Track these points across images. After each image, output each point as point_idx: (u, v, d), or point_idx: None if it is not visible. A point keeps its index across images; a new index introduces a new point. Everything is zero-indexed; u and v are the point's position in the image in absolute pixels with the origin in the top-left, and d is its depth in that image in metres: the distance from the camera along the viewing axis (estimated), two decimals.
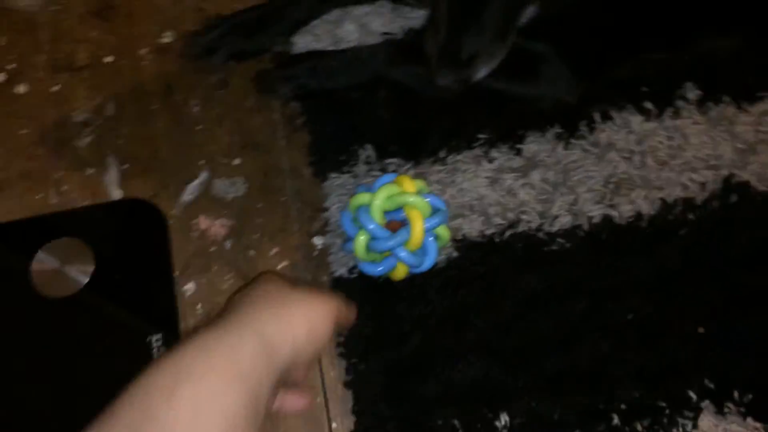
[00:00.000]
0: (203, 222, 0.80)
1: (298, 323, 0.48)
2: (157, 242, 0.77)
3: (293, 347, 0.46)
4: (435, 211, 0.69)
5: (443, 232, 0.70)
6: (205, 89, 0.87)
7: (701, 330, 0.68)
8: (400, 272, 0.70)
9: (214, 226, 0.80)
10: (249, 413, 0.39)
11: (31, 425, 0.66)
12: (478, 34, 0.66)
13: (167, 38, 0.92)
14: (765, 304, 0.69)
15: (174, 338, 0.71)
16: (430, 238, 0.69)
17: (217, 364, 0.40)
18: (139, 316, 0.72)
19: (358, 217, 0.68)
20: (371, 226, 0.67)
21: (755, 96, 0.79)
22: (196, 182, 0.82)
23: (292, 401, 0.56)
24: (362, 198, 0.69)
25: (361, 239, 0.68)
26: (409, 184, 0.68)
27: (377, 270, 0.69)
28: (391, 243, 0.66)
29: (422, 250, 0.69)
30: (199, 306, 0.76)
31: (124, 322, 0.71)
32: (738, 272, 0.70)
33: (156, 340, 0.70)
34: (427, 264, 0.69)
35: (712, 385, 0.66)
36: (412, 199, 0.67)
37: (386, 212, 0.69)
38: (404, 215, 0.69)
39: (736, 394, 0.66)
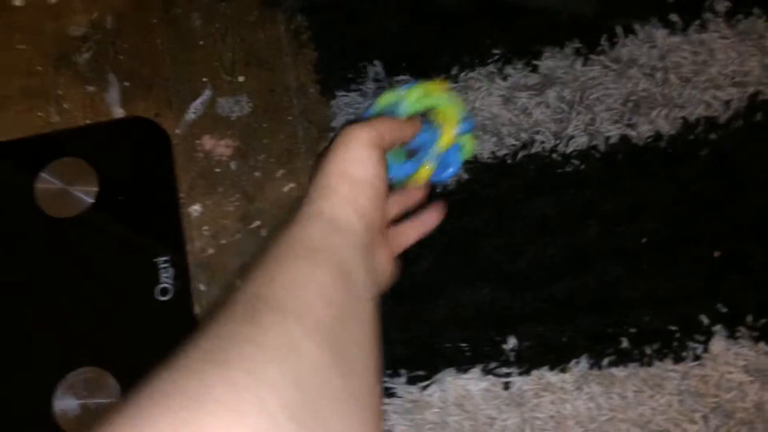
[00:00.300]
0: (208, 142, 0.78)
1: (337, 183, 0.47)
2: (162, 163, 0.75)
3: (351, 201, 0.46)
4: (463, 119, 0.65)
5: (469, 142, 0.66)
6: (207, 1, 0.84)
7: (717, 254, 0.67)
8: (423, 175, 0.66)
9: (219, 146, 0.78)
10: (339, 285, 0.40)
11: (37, 345, 0.67)
12: None
13: None
14: None
15: (181, 259, 0.71)
16: (456, 145, 0.65)
17: (297, 249, 0.42)
18: (145, 237, 0.72)
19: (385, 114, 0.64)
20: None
21: None
22: (199, 101, 0.80)
23: (420, 224, 0.58)
24: (389, 97, 0.65)
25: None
26: (441, 86, 0.64)
27: (403, 171, 0.65)
28: (421, 138, 0.63)
29: (447, 156, 0.65)
30: (205, 228, 0.75)
31: (131, 243, 0.71)
32: (758, 195, 0.68)
33: (163, 261, 0.70)
34: (451, 171, 0.65)
35: (725, 310, 0.65)
36: (445, 101, 0.63)
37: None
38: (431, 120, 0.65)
39: (749, 319, 0.65)
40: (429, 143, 0.62)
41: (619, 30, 0.75)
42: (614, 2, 0.75)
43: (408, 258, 0.70)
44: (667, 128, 0.71)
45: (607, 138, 0.72)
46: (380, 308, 0.69)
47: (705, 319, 0.65)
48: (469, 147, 0.65)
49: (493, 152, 0.73)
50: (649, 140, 0.71)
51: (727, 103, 0.71)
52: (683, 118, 0.71)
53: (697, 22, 0.74)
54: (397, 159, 0.64)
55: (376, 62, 0.77)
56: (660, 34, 0.74)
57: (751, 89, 0.72)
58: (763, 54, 0.73)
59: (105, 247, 0.71)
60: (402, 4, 0.78)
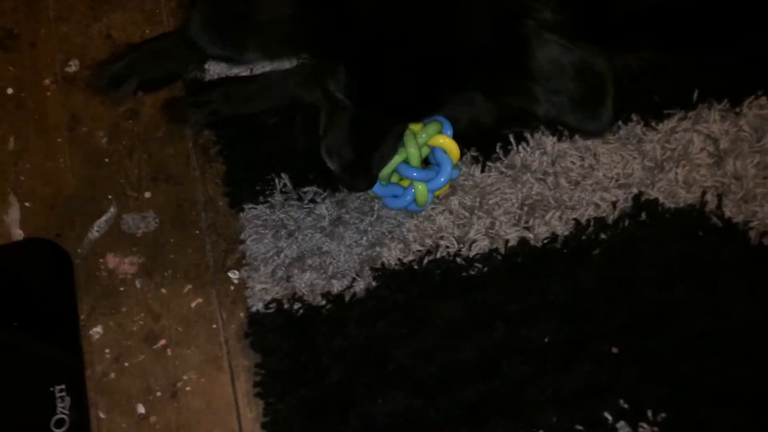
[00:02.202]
0: (111, 260, 0.77)
1: None
2: (62, 285, 0.73)
3: None
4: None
5: (451, 146, 0.72)
6: (113, 120, 0.84)
7: (615, 350, 0.69)
8: (421, 195, 0.72)
9: (123, 264, 0.76)
10: None
11: None
12: (384, 155, 0.68)
13: (73, 67, 0.88)
14: (675, 321, 0.70)
15: (79, 387, 0.67)
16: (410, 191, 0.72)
17: None
18: (40, 364, 0.68)
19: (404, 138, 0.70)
20: (412, 150, 0.70)
21: (662, 113, 0.80)
22: (103, 218, 0.79)
23: None
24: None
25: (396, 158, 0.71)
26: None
27: (406, 200, 0.72)
28: (416, 175, 0.71)
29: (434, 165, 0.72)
30: (107, 350, 0.72)
31: (25, 371, 0.68)
32: (649, 290, 0.71)
33: (59, 390, 0.67)
34: (442, 178, 0.71)
35: (626, 406, 0.67)
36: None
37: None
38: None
39: (649, 414, 0.67)
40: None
41: (511, 138, 0.80)
42: (507, 112, 0.80)
43: (317, 370, 0.69)
44: (561, 229, 0.75)
45: (507, 241, 0.75)
46: (289, 424, 0.67)
47: (609, 416, 0.67)
48: (455, 151, 0.72)
49: (399, 259, 0.75)
50: (546, 241, 0.75)
51: (614, 204, 0.76)
52: (575, 219, 0.75)
53: None
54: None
55: (284, 174, 0.79)
56: (549, 141, 0.79)
57: (634, 190, 0.77)
58: (644, 157, 0.79)
59: None
60: (308, 118, 0.80)
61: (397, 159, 0.71)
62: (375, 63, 0.58)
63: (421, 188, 0.72)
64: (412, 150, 0.71)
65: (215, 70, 0.85)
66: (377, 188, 0.73)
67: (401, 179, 0.74)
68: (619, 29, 0.72)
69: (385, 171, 0.71)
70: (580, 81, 0.56)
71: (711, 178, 0.76)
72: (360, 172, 0.68)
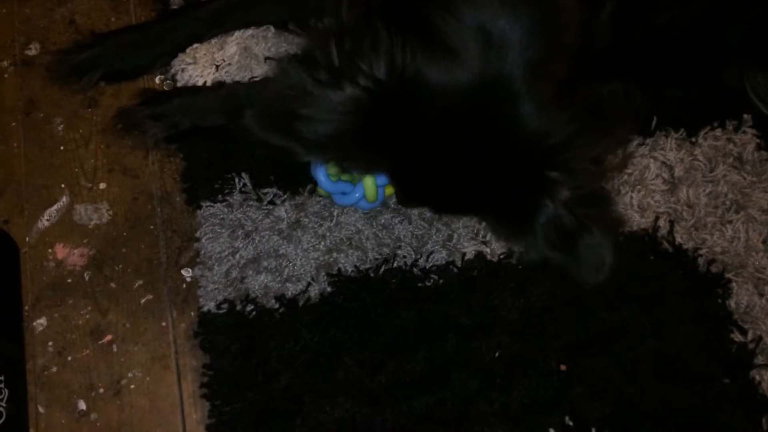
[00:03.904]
0: (60, 251, 0.75)
1: None
2: (6, 273, 0.71)
3: None
4: None
5: (370, 187, 0.71)
6: (72, 107, 0.82)
7: (563, 368, 0.70)
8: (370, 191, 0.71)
9: (73, 256, 0.75)
10: None
11: None
12: None
13: (33, 51, 0.86)
14: (621, 342, 0.71)
15: (18, 379, 0.65)
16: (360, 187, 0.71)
17: None
18: None
19: None
20: None
21: None
22: (54, 207, 0.77)
23: None
24: None
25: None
26: None
27: (355, 196, 0.72)
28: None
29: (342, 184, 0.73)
30: (50, 343, 0.70)
31: None
32: (599, 310, 0.73)
33: None
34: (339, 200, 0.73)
35: (571, 423, 0.68)
36: None
37: None
38: None
39: (593, 431, 0.68)
40: None
41: None
42: None
43: (266, 374, 0.69)
44: (517, 246, 0.76)
45: (464, 254, 0.75)
46: (234, 427, 0.66)
47: None
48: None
49: (356, 266, 0.75)
50: (502, 257, 0.75)
51: None
52: None
53: None
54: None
55: (244, 174, 0.78)
56: None
57: None
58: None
59: None
60: None
61: None
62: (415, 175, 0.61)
63: (369, 183, 0.71)
64: None
65: (180, 70, 0.83)
66: (326, 185, 0.73)
67: (352, 177, 0.74)
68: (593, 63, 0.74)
69: (333, 167, 0.71)
70: (585, 249, 0.59)
71: (664, 204, 0.78)
72: None
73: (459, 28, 0.55)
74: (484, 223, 0.74)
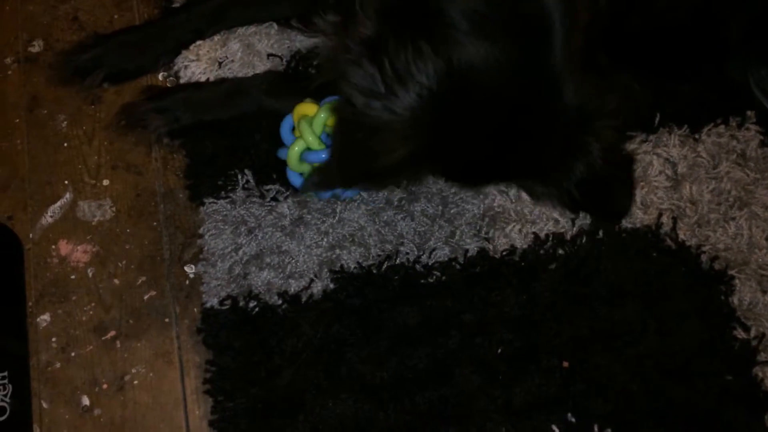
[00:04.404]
0: (64, 247, 0.75)
1: None
2: (10, 269, 0.71)
3: None
4: None
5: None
6: (75, 104, 0.82)
7: (566, 364, 0.70)
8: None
9: (76, 252, 0.75)
10: None
11: None
12: None
13: (36, 48, 0.86)
14: (624, 339, 0.71)
15: (22, 375, 0.66)
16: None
17: None
18: None
19: (299, 126, 0.70)
20: (310, 138, 0.69)
21: (625, 135, 0.82)
22: (58, 204, 0.77)
23: None
24: (307, 108, 0.71)
25: (296, 149, 0.71)
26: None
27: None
28: (324, 156, 0.69)
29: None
30: (53, 340, 0.70)
31: None
32: (602, 307, 0.73)
33: (1, 377, 0.65)
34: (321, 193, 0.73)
35: (574, 419, 0.68)
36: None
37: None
38: None
39: (596, 428, 0.68)
40: None
41: None
42: None
43: (269, 370, 0.69)
44: (520, 242, 0.76)
45: (466, 251, 0.75)
46: (237, 423, 0.66)
47: (556, 429, 0.67)
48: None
49: (359, 263, 0.75)
50: (505, 253, 0.75)
51: (573, 220, 0.77)
52: (534, 233, 0.76)
53: None
54: (302, 171, 0.72)
55: (247, 171, 0.78)
56: None
57: None
58: None
59: None
60: (273, 125, 0.79)
61: (296, 150, 0.71)
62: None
63: None
64: (309, 138, 0.70)
65: (190, 71, 0.83)
66: (300, 182, 0.73)
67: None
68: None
69: (293, 163, 0.71)
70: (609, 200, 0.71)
71: (668, 200, 0.78)
72: None
73: (495, 11, 0.57)
74: (519, 187, 0.76)
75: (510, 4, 0.57)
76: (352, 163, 0.60)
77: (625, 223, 0.77)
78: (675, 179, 0.79)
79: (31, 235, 0.75)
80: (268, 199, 0.77)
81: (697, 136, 0.81)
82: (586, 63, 0.62)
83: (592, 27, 0.63)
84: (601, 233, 0.76)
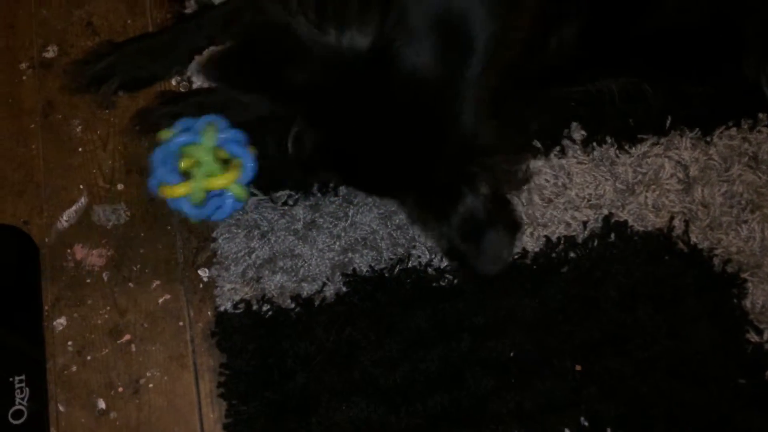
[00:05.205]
0: (79, 251, 0.76)
1: None
2: (27, 273, 0.72)
3: None
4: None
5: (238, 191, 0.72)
6: (89, 109, 0.83)
7: (578, 368, 0.70)
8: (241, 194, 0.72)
9: (91, 256, 0.75)
10: None
11: None
12: None
13: (51, 53, 0.87)
14: (636, 342, 0.71)
15: (39, 378, 0.66)
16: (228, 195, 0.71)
17: None
18: (1, 354, 0.67)
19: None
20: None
21: (636, 138, 0.82)
22: (73, 208, 0.78)
23: None
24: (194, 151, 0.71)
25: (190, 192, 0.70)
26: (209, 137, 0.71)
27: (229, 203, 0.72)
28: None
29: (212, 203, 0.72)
30: (70, 343, 0.71)
31: None
32: (614, 310, 0.73)
33: (19, 381, 0.65)
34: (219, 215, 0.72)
35: (586, 423, 0.68)
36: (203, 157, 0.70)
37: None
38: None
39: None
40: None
41: None
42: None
43: (282, 373, 0.69)
44: (532, 245, 0.76)
45: None
46: (251, 426, 0.67)
47: None
48: (241, 194, 0.72)
49: (371, 266, 0.75)
50: (516, 256, 0.76)
51: (585, 223, 0.77)
52: (546, 236, 0.76)
53: (557, 148, 0.81)
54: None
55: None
56: None
57: (605, 211, 0.78)
58: (616, 179, 0.80)
59: None
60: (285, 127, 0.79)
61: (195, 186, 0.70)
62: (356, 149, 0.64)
63: (236, 189, 0.71)
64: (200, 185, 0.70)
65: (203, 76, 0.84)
66: (196, 213, 0.71)
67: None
68: (599, 56, 0.74)
69: (197, 197, 0.70)
70: (489, 243, 0.66)
71: (679, 203, 0.78)
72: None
73: (427, 16, 0.58)
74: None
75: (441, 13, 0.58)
76: (247, 60, 0.58)
77: (637, 227, 0.77)
78: (687, 182, 0.79)
79: (46, 240, 0.76)
80: (281, 204, 0.78)
81: (708, 139, 0.81)
82: (499, 99, 0.63)
83: (521, 65, 0.64)
84: (612, 236, 0.76)
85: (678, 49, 0.77)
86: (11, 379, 0.66)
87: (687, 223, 0.77)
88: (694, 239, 0.76)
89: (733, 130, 0.81)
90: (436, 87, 0.60)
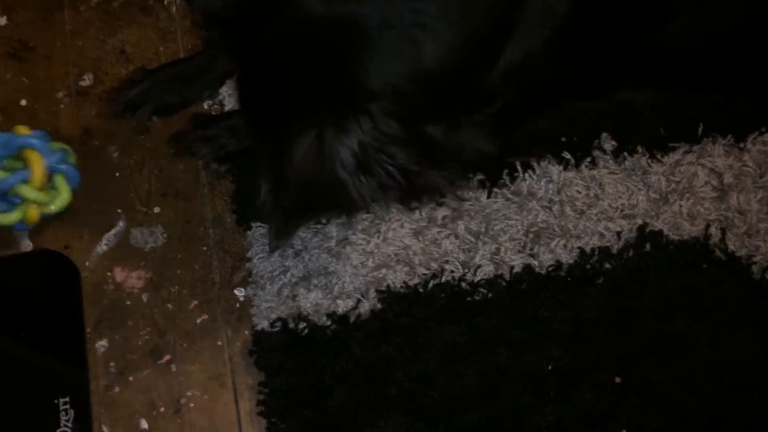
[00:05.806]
0: (119, 274, 0.77)
1: None
2: (69, 297, 0.74)
3: None
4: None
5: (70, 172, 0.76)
6: (125, 134, 0.85)
7: (618, 380, 0.69)
8: (33, 214, 0.74)
9: (131, 279, 0.77)
10: None
11: None
12: None
13: (86, 81, 0.89)
14: (676, 352, 0.70)
15: (83, 400, 0.68)
16: (59, 176, 0.75)
17: None
18: (46, 377, 0.69)
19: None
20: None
21: (668, 146, 0.82)
22: (112, 232, 0.79)
23: None
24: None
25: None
26: (24, 129, 0.75)
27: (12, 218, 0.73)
28: (11, 180, 0.72)
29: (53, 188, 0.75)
30: (112, 364, 0.73)
31: (29, 383, 0.68)
32: (652, 321, 0.72)
33: (63, 402, 0.67)
34: (59, 203, 0.75)
35: None
36: (29, 141, 0.74)
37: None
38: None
39: None
40: (23, 178, 0.73)
41: (518, 165, 0.81)
42: (512, 140, 0.81)
43: (320, 390, 0.70)
44: (566, 258, 0.76)
45: (512, 267, 0.76)
46: None
47: None
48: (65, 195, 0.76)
49: (405, 282, 0.76)
50: (551, 269, 0.75)
51: (619, 234, 0.77)
52: (580, 248, 0.76)
53: (588, 159, 0.81)
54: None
55: None
56: (555, 169, 0.80)
57: (639, 221, 0.78)
58: (648, 188, 0.80)
59: (1, 388, 0.68)
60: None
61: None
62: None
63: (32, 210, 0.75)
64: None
65: (234, 99, 0.86)
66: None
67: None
68: (622, 68, 0.74)
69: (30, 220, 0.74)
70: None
71: (715, 211, 0.77)
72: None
73: None
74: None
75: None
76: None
77: (673, 236, 0.76)
78: (721, 189, 0.78)
79: (87, 263, 0.77)
80: (313, 222, 0.79)
81: (741, 145, 0.80)
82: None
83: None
84: (648, 246, 0.76)
85: (713, 66, 0.77)
86: (56, 401, 0.67)
87: (723, 230, 0.76)
88: (731, 247, 0.75)
89: (767, 136, 0.80)
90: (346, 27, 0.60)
